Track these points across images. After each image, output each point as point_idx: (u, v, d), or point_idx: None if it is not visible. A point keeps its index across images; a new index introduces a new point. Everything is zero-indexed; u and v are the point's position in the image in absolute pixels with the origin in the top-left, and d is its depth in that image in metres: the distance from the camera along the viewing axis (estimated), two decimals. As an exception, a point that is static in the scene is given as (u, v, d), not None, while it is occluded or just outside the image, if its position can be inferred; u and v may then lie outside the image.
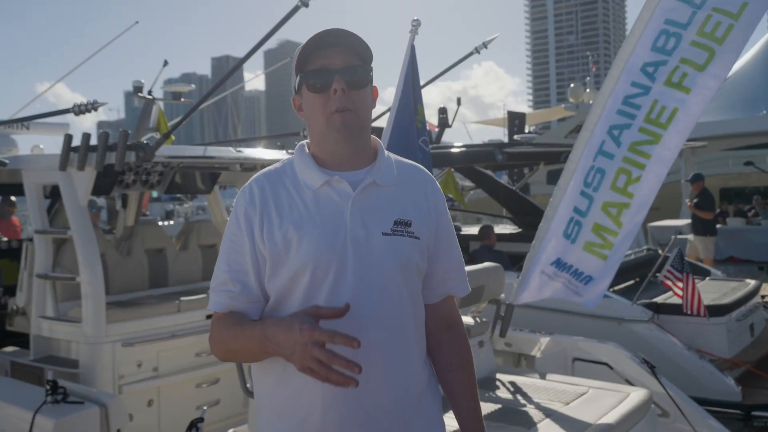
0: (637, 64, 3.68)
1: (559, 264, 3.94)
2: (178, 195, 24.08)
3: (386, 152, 1.80)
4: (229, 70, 4.44)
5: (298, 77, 1.71)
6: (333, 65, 1.66)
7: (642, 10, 3.78)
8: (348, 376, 1.44)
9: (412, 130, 4.51)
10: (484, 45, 5.79)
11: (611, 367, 4.72)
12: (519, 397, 3.75)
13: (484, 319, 4.46)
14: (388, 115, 4.77)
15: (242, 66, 4.68)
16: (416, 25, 4.61)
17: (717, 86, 3.54)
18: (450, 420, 1.84)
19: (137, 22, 7.05)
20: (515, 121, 10.00)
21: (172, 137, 6.35)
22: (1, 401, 3.65)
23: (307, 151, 1.76)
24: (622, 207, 3.70)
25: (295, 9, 4.17)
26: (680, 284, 5.78)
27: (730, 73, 22.76)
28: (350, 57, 1.68)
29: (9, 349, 5.16)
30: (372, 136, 1.80)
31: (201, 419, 3.38)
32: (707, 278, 7.95)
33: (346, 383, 1.44)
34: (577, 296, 3.92)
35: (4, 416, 3.56)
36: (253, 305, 1.70)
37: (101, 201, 8.85)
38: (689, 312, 5.75)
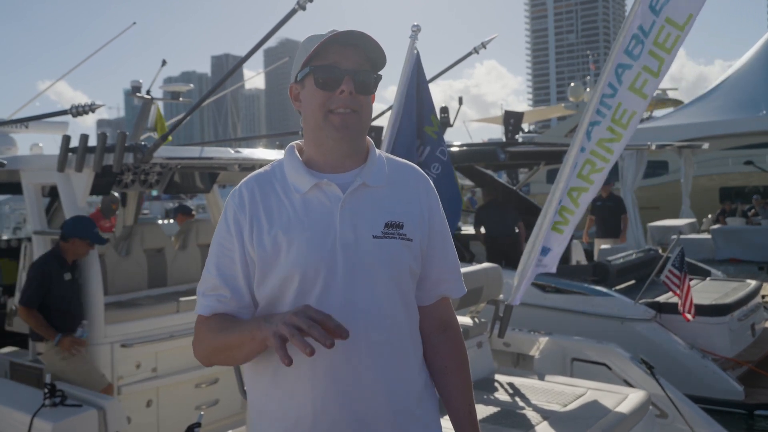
0: (614, 65, 4.05)
1: (543, 251, 4.35)
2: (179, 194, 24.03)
3: (377, 151, 1.75)
4: (229, 68, 4.43)
5: (307, 69, 1.65)
6: (345, 65, 1.62)
7: (629, 12, 4.04)
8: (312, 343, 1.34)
9: (413, 145, 4.50)
10: (483, 45, 5.76)
11: (610, 368, 4.72)
12: (517, 398, 3.74)
13: (482, 320, 4.45)
14: (388, 114, 4.75)
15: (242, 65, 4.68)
16: (416, 30, 4.56)
17: (655, 90, 4.11)
18: (447, 424, 1.82)
19: (135, 23, 7.06)
20: (510, 120, 9.91)
21: (170, 138, 6.33)
22: (0, 404, 3.65)
23: (297, 152, 1.72)
24: (581, 191, 4.24)
25: (293, 12, 4.17)
26: (679, 284, 5.78)
27: (730, 73, 22.71)
28: (363, 60, 1.65)
29: (8, 349, 5.15)
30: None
31: (198, 424, 3.36)
32: (708, 278, 7.95)
33: (305, 349, 1.33)
34: (542, 267, 4.37)
35: (3, 419, 3.55)
36: (243, 311, 1.65)
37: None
38: (680, 310, 5.75)
